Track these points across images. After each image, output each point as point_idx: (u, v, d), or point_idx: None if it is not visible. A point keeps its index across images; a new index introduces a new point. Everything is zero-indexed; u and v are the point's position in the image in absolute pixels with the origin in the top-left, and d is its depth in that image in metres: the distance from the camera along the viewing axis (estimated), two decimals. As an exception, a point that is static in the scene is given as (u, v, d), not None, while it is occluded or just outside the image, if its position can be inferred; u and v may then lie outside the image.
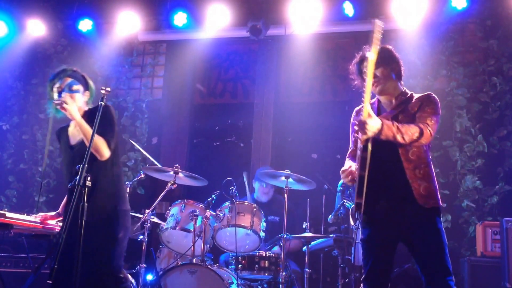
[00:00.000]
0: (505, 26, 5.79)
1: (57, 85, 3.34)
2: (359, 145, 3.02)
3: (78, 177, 2.78)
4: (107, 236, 3.21)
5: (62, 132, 3.51)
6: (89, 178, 2.81)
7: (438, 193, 3.08)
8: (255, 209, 4.64)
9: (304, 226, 4.72)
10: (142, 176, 4.89)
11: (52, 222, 3.59)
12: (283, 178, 4.73)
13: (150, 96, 6.94)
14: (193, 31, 6.65)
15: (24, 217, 3.45)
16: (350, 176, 3.13)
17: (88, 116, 3.30)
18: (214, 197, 4.69)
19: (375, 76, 3.13)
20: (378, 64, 3.10)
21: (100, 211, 3.18)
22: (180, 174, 4.75)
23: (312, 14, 6.18)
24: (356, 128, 2.93)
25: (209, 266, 4.31)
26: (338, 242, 4.60)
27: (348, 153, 3.46)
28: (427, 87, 5.75)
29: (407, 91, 3.28)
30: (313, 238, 4.70)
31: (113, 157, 3.32)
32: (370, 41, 2.98)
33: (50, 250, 3.95)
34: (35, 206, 6.61)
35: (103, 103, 3.06)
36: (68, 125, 3.51)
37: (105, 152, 3.21)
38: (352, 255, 4.56)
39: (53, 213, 3.59)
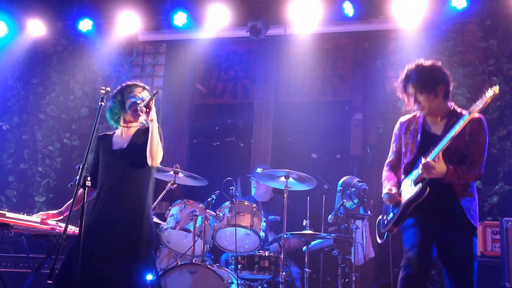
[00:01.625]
0: (505, 26, 5.79)
1: (138, 90, 3.51)
2: (417, 175, 3.11)
3: (78, 177, 2.79)
4: (131, 252, 3.24)
5: (104, 137, 3.57)
6: (89, 178, 2.83)
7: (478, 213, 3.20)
8: (255, 209, 4.64)
9: (304, 223, 4.73)
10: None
11: (53, 222, 3.59)
12: (283, 178, 4.73)
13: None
14: (193, 31, 6.65)
15: (24, 217, 3.45)
16: (394, 201, 3.25)
17: (142, 131, 3.49)
18: (214, 197, 4.69)
19: (418, 102, 3.20)
20: (420, 89, 3.17)
21: (128, 224, 3.27)
22: (180, 174, 4.76)
23: (312, 14, 6.18)
24: (421, 167, 3.04)
25: (209, 266, 4.32)
26: (338, 242, 4.60)
27: (388, 162, 3.51)
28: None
29: (456, 108, 3.28)
30: (313, 237, 4.70)
31: (151, 172, 3.47)
32: (480, 104, 3.00)
33: (50, 250, 3.95)
34: (36, 205, 6.62)
35: (103, 103, 3.08)
36: (111, 134, 3.60)
37: (158, 160, 3.37)
38: (352, 255, 4.56)
39: (54, 212, 3.58)
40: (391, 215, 3.28)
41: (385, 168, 3.48)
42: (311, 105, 6.61)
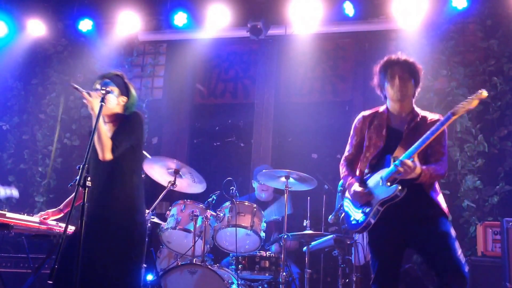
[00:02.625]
0: (506, 26, 5.79)
1: (96, 83, 3.32)
2: (388, 173, 3.09)
3: (78, 177, 2.77)
4: (122, 253, 3.09)
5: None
6: (89, 179, 2.80)
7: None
8: (255, 209, 4.63)
9: (304, 224, 4.72)
10: (142, 176, 4.87)
11: (53, 222, 3.59)
12: (283, 178, 4.72)
13: (150, 96, 6.94)
14: (193, 31, 6.64)
15: (24, 217, 3.45)
16: (363, 200, 3.21)
17: (119, 119, 3.30)
18: (214, 197, 4.68)
19: (403, 88, 3.23)
20: (409, 77, 3.25)
21: (116, 222, 3.11)
22: (182, 175, 4.75)
23: (312, 14, 6.18)
24: (399, 169, 3.01)
25: (209, 266, 4.31)
26: (339, 242, 4.59)
27: (345, 157, 3.47)
28: (427, 87, 5.74)
29: (417, 110, 3.32)
30: (313, 237, 4.70)
31: (133, 164, 3.27)
32: (465, 106, 3.05)
33: (50, 250, 3.94)
34: (36, 205, 6.61)
35: (103, 103, 3.06)
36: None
37: (106, 155, 3.11)
38: (353, 255, 4.55)
39: (54, 210, 3.56)
40: (362, 216, 3.20)
41: (343, 163, 3.45)
42: (312, 105, 6.60)
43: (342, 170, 3.43)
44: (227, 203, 4.67)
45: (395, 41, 6.18)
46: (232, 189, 4.59)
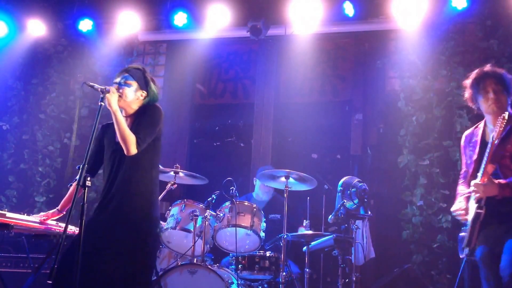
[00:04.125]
0: (505, 26, 5.79)
1: (116, 79, 3.30)
2: (475, 199, 3.13)
3: (78, 176, 2.77)
4: (140, 244, 3.10)
5: (109, 127, 3.37)
6: (89, 178, 2.80)
7: None
8: (255, 209, 4.64)
9: (304, 224, 4.72)
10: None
11: (53, 222, 3.59)
12: (283, 178, 4.72)
13: (150, 96, 6.93)
14: (193, 31, 6.65)
15: (24, 217, 3.45)
16: (464, 219, 3.29)
17: (138, 113, 3.31)
18: (214, 197, 4.69)
19: (498, 100, 3.25)
20: (502, 88, 3.25)
21: (135, 215, 3.12)
22: (181, 174, 4.75)
23: (312, 14, 6.17)
24: (473, 188, 3.09)
25: (209, 266, 4.31)
26: (339, 242, 4.59)
27: (461, 175, 3.55)
28: (427, 87, 5.75)
29: None
30: (313, 237, 4.70)
31: (153, 158, 3.29)
32: (495, 132, 3.07)
33: (50, 250, 3.94)
34: (36, 205, 6.62)
35: (103, 104, 3.05)
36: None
37: (131, 149, 3.11)
38: (352, 255, 4.56)
39: (53, 210, 3.56)
40: (463, 234, 3.32)
41: (459, 181, 3.54)
42: (311, 105, 6.61)
43: (457, 188, 3.51)
44: (227, 203, 4.67)
45: (395, 41, 6.18)
46: (232, 189, 4.60)
